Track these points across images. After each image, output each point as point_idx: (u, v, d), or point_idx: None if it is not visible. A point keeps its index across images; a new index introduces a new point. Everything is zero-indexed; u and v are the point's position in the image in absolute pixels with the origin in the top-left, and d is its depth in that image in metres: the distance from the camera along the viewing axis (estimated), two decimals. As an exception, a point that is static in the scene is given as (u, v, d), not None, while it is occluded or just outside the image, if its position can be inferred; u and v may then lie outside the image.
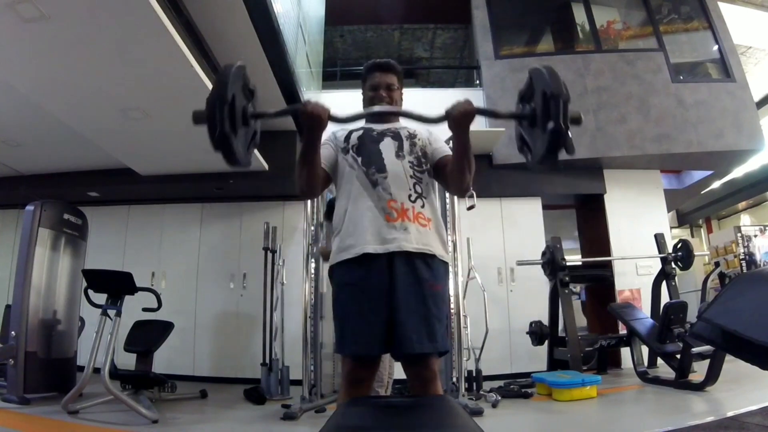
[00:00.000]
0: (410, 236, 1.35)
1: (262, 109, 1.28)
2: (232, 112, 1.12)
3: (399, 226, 1.35)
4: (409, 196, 1.39)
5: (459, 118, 1.27)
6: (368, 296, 1.32)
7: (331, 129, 1.58)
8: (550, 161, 1.15)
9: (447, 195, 3.40)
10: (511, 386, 3.74)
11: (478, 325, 3.80)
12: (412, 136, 1.51)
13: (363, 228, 1.36)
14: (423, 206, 1.41)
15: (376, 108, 1.53)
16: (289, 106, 1.36)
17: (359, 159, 1.45)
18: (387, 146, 1.47)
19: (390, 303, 1.31)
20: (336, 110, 1.31)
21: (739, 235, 6.92)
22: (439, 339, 1.34)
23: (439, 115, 1.29)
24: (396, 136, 1.50)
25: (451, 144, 1.47)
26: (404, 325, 1.29)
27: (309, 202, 3.59)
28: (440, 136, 1.58)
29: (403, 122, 1.61)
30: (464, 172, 1.38)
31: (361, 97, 1.64)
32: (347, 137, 1.51)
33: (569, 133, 1.11)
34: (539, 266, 4.41)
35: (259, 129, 1.31)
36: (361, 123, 1.60)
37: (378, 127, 1.54)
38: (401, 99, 1.62)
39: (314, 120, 1.26)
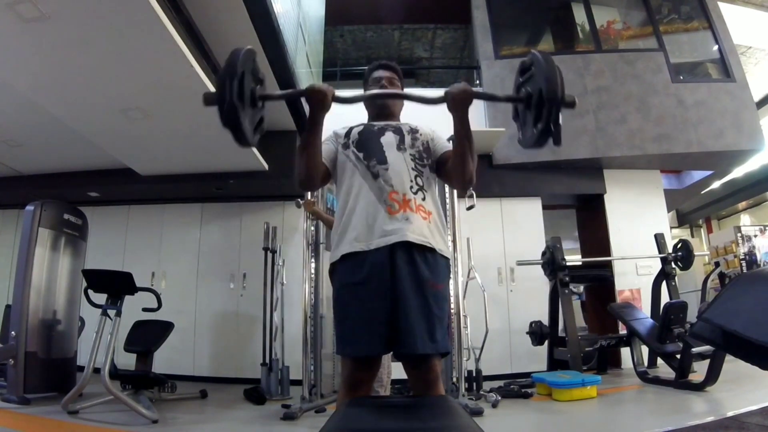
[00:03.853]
0: (412, 226, 1.34)
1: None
2: (241, 87, 1.15)
3: (401, 216, 1.35)
4: (411, 187, 1.39)
5: (457, 98, 1.31)
6: (369, 297, 1.31)
7: (332, 127, 1.58)
8: (539, 146, 1.27)
9: (447, 194, 3.41)
10: (511, 386, 3.74)
11: (478, 325, 3.80)
12: (413, 131, 1.51)
13: (365, 222, 1.36)
14: (424, 199, 1.41)
15: (377, 91, 1.55)
16: (295, 90, 1.41)
17: (360, 154, 1.45)
18: (388, 140, 1.47)
19: (391, 304, 1.30)
20: (338, 104, 1.35)
21: (739, 235, 6.92)
22: (440, 339, 1.33)
23: (438, 96, 1.33)
24: (397, 130, 1.50)
25: (452, 144, 1.47)
26: (406, 326, 1.29)
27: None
28: (443, 135, 1.59)
29: (405, 120, 1.61)
30: (466, 157, 1.37)
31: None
32: (347, 133, 1.51)
33: (559, 126, 1.21)
34: (539, 266, 4.41)
35: (266, 118, 1.32)
36: (363, 119, 1.61)
37: (379, 123, 1.54)
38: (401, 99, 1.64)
39: (319, 95, 1.29)
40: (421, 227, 1.36)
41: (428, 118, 1.54)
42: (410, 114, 1.60)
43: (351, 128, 1.53)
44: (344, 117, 1.57)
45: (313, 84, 1.32)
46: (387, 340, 1.31)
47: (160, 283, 4.81)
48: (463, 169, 1.38)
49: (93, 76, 2.78)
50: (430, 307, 1.32)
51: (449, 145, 1.51)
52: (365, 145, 1.46)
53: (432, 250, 1.37)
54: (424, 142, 1.50)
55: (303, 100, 1.35)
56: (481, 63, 5.43)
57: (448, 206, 3.39)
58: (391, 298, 1.30)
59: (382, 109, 1.59)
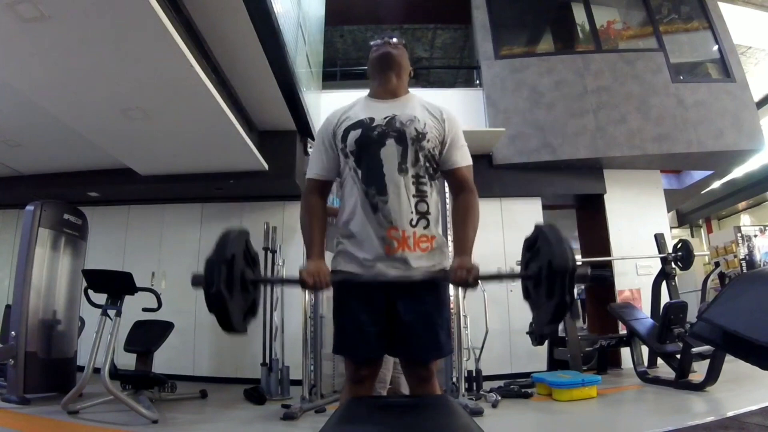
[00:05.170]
0: (410, 268, 1.33)
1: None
2: (231, 272, 1.11)
3: (398, 257, 1.32)
4: (410, 220, 1.33)
5: (456, 284, 1.31)
6: (368, 304, 1.32)
7: (326, 116, 1.50)
8: (556, 322, 1.20)
9: (447, 195, 3.40)
10: (511, 386, 3.73)
11: (478, 325, 3.80)
12: (419, 138, 1.35)
13: (362, 252, 1.34)
14: (426, 226, 1.37)
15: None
16: (289, 276, 1.34)
17: (359, 172, 1.35)
18: (389, 155, 1.33)
19: (391, 311, 1.32)
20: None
21: (739, 235, 6.92)
22: (443, 344, 1.34)
23: (441, 271, 1.36)
24: (400, 138, 1.34)
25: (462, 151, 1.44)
26: (407, 335, 1.30)
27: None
28: (459, 130, 1.44)
29: (412, 95, 1.48)
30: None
31: (365, 89, 1.55)
32: (344, 136, 1.37)
33: (574, 297, 1.12)
34: (539, 266, 4.40)
35: (260, 299, 1.28)
36: (360, 107, 1.44)
37: (380, 114, 1.38)
38: (408, 64, 1.51)
39: (316, 290, 1.32)
40: (418, 263, 1.34)
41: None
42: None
43: (348, 130, 1.37)
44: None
45: (308, 277, 1.26)
46: (386, 343, 1.32)
47: (160, 283, 4.80)
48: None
49: (93, 76, 2.77)
50: (430, 314, 1.33)
51: (460, 160, 1.41)
52: (363, 161, 1.35)
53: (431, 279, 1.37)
54: (430, 150, 1.37)
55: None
56: (481, 63, 5.42)
57: (448, 206, 3.38)
58: (391, 305, 1.32)
59: (384, 83, 1.46)
